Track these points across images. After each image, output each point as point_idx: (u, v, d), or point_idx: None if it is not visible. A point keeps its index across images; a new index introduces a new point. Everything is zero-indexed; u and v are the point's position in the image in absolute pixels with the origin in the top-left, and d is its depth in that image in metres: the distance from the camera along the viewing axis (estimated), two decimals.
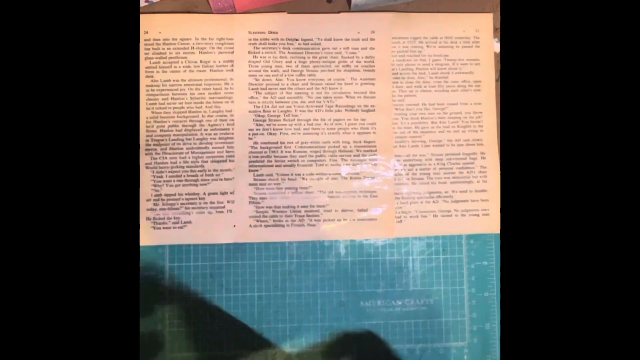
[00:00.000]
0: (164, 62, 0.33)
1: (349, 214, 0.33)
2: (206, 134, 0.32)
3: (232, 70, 0.33)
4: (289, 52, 0.33)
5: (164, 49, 0.33)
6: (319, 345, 0.32)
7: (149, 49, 0.33)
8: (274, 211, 0.32)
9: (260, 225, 0.32)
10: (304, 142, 0.33)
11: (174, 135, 0.32)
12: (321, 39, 0.33)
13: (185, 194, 0.32)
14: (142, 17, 0.32)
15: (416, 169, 0.33)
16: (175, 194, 0.32)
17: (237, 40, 0.33)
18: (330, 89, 0.33)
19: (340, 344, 0.32)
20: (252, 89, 0.33)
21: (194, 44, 0.33)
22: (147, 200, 0.32)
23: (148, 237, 0.32)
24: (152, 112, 0.32)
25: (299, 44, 0.33)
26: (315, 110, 0.33)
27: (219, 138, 0.33)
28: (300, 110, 0.33)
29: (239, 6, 0.33)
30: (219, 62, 0.33)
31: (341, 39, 0.33)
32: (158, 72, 0.32)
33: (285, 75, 0.33)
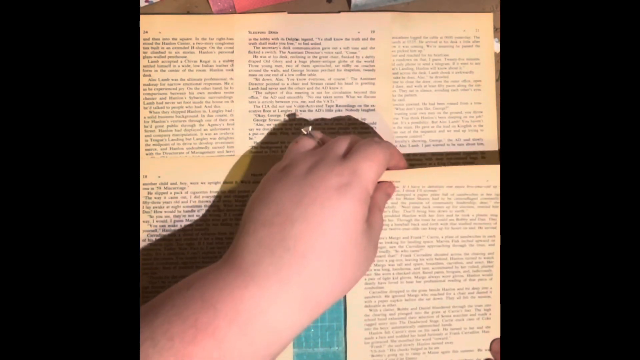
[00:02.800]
0: (162, 62, 0.33)
1: None
2: (206, 134, 0.32)
3: (232, 70, 0.33)
4: (289, 52, 0.33)
5: (163, 48, 0.33)
6: (319, 345, 0.32)
7: (147, 48, 0.32)
8: None
9: None
10: None
11: (173, 135, 0.32)
12: (321, 39, 0.33)
13: None
14: (141, 17, 0.32)
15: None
16: None
17: (237, 40, 0.33)
18: (330, 88, 0.33)
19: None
20: (252, 89, 0.33)
21: (194, 43, 0.33)
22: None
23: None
24: (150, 112, 0.32)
25: (299, 43, 0.33)
26: (316, 110, 0.33)
27: (219, 138, 0.33)
28: (301, 110, 0.33)
29: (239, 6, 0.33)
30: (219, 61, 0.33)
31: (341, 39, 0.33)
32: (156, 71, 0.32)
33: (285, 75, 0.33)
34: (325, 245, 0.23)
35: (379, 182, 0.28)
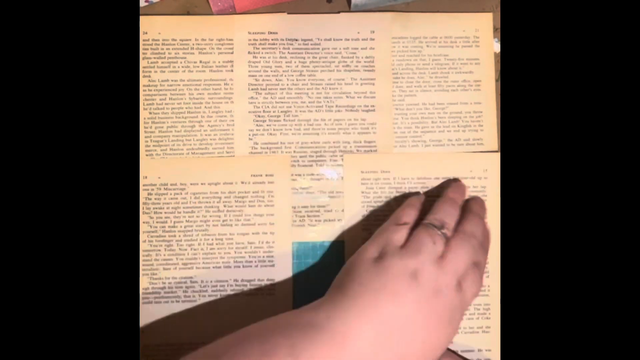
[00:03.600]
0: (162, 62, 0.33)
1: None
2: (206, 135, 0.32)
3: (232, 71, 0.33)
4: (289, 52, 0.33)
5: (162, 49, 0.33)
6: None
7: (147, 49, 0.32)
8: None
9: None
10: (304, 142, 0.33)
11: (173, 135, 0.32)
12: (321, 39, 0.33)
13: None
14: (141, 17, 0.32)
15: None
16: None
17: (237, 40, 0.33)
18: (330, 89, 0.33)
19: None
20: (252, 89, 0.33)
21: (193, 44, 0.33)
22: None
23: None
24: (150, 113, 0.32)
25: (299, 44, 0.33)
26: (316, 111, 0.33)
27: (219, 138, 0.32)
28: (301, 111, 0.33)
29: (239, 6, 0.33)
30: (219, 62, 0.33)
31: (341, 39, 0.33)
32: (156, 72, 0.32)
33: (285, 76, 0.33)
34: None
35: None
